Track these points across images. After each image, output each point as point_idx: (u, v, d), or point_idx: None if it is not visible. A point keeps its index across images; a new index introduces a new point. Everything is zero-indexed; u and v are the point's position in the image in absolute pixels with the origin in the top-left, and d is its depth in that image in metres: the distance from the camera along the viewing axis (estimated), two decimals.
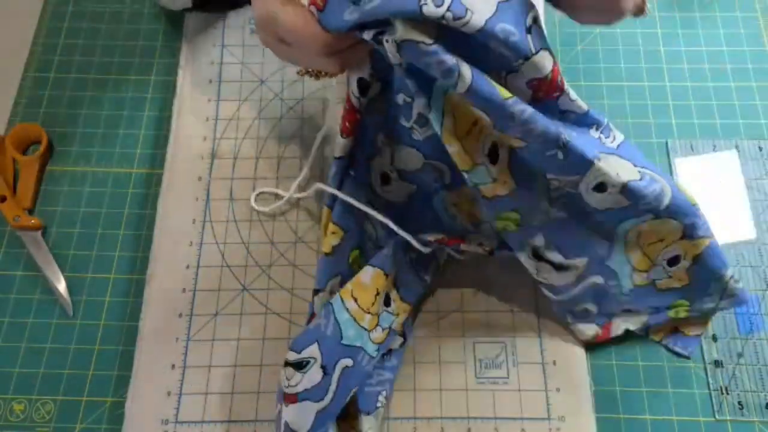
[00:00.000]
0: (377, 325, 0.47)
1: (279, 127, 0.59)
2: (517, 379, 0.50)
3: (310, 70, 0.48)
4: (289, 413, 0.43)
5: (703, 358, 0.51)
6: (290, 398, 0.43)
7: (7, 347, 0.52)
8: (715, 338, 0.51)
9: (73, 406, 0.50)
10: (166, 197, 0.56)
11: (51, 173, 0.58)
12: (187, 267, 0.54)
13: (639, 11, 0.42)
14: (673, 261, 0.47)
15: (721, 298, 0.48)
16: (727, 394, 0.49)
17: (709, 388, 0.50)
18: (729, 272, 0.47)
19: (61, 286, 0.53)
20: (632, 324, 0.50)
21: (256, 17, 0.43)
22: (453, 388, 0.50)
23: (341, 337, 0.44)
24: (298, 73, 0.49)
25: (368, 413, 0.46)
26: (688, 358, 0.50)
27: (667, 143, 0.59)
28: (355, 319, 0.45)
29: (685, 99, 0.61)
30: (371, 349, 0.46)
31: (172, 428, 0.48)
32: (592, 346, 0.51)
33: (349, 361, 0.44)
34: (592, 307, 0.49)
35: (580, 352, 0.50)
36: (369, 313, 0.46)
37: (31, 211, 0.56)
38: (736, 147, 0.58)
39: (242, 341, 0.51)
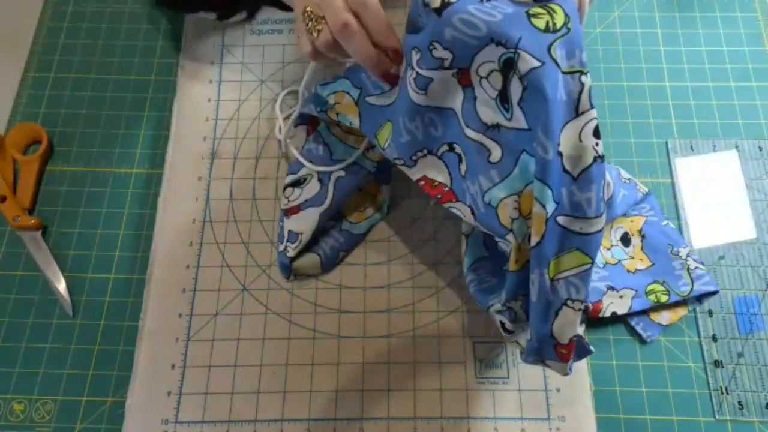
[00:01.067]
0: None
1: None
2: (517, 379, 0.50)
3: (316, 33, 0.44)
4: (291, 222, 0.51)
5: (703, 358, 0.51)
6: (292, 210, 0.52)
7: (7, 347, 0.52)
8: (715, 338, 0.51)
9: (73, 406, 0.50)
10: (166, 197, 0.56)
11: (51, 173, 0.58)
12: (187, 267, 0.54)
13: None
14: (625, 239, 0.53)
15: (692, 280, 0.51)
16: (727, 394, 0.49)
17: (709, 388, 0.50)
18: (684, 250, 0.52)
19: (61, 286, 0.53)
20: (619, 308, 0.50)
21: None
22: (453, 388, 0.50)
23: (331, 155, 0.53)
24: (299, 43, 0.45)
25: (386, 183, 0.55)
26: (646, 342, 0.51)
27: (667, 143, 0.59)
28: (340, 140, 0.54)
29: (685, 99, 0.61)
30: (369, 165, 0.53)
31: (172, 428, 0.48)
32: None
33: (341, 172, 0.52)
34: None
35: None
36: (352, 134, 0.54)
37: (31, 211, 0.56)
38: (736, 147, 0.58)
39: (242, 341, 0.51)
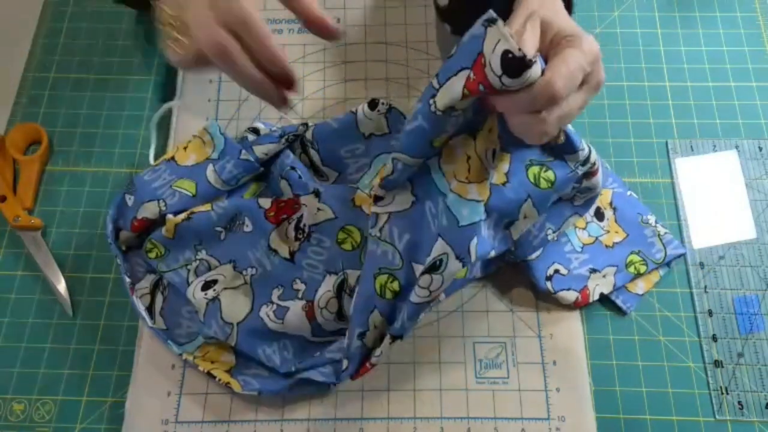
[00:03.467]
0: None
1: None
2: (517, 379, 0.50)
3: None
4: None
5: (703, 358, 0.51)
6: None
7: (7, 347, 0.52)
8: (715, 338, 0.51)
9: (73, 406, 0.50)
10: None
11: (51, 173, 0.58)
12: None
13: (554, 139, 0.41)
14: (599, 213, 0.54)
15: (665, 246, 0.53)
16: (727, 394, 0.49)
17: (709, 388, 0.50)
18: (652, 218, 0.54)
19: (61, 286, 0.53)
20: (605, 287, 0.51)
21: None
22: (453, 388, 0.50)
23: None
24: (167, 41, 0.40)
25: None
26: (625, 314, 0.52)
27: (667, 143, 0.59)
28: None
29: (685, 99, 0.61)
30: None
31: (172, 428, 0.48)
32: (592, 347, 0.51)
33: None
34: (562, 269, 0.51)
35: (580, 352, 0.50)
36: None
37: (31, 211, 0.56)
38: (736, 147, 0.58)
39: None
